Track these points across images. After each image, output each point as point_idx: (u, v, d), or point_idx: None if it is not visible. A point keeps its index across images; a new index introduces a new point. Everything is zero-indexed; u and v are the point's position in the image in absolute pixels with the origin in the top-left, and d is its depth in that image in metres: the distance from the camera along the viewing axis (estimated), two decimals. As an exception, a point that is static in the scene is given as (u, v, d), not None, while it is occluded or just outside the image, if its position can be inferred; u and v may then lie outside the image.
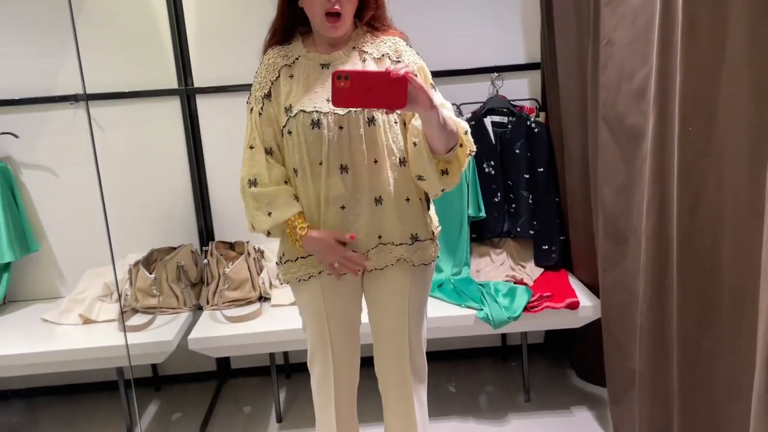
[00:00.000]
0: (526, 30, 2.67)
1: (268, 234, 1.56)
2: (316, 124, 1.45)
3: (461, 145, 1.48)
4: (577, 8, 2.26)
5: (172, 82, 2.60)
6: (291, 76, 1.51)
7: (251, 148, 1.53)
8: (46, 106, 2.55)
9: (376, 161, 1.49)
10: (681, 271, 1.63)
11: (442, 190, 1.51)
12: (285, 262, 1.61)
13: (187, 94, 2.61)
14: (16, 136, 2.53)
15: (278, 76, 1.51)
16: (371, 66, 1.50)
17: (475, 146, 1.54)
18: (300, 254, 1.56)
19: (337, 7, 1.41)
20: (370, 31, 1.56)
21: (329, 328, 1.60)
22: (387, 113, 1.46)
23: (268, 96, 1.52)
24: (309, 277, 1.57)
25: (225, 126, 2.63)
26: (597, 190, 2.15)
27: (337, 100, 1.33)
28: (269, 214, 1.51)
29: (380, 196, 1.50)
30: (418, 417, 1.65)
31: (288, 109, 1.48)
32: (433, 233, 1.62)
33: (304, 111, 1.46)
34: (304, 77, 1.50)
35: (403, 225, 1.54)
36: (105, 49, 2.50)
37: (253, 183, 1.52)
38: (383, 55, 1.53)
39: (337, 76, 1.30)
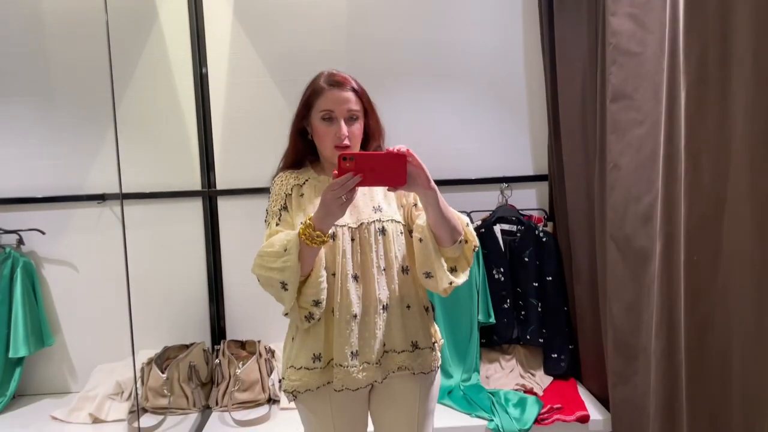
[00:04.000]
0: (534, 143, 2.81)
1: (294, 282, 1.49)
2: (332, 236, 1.50)
3: (467, 241, 1.54)
4: (583, 132, 2.40)
5: (197, 184, 2.71)
6: (302, 195, 1.59)
7: (270, 235, 1.56)
8: (74, 204, 2.66)
9: (384, 270, 1.54)
10: (691, 395, 1.66)
11: (451, 283, 1.51)
12: (289, 368, 1.57)
13: (210, 195, 2.72)
14: (43, 233, 2.62)
15: (291, 192, 1.59)
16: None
17: (477, 240, 1.58)
18: (305, 365, 1.54)
19: (346, 142, 1.52)
20: None
21: None
22: (389, 191, 1.49)
23: (284, 208, 1.59)
24: (305, 391, 1.54)
25: (242, 227, 2.73)
26: (606, 305, 2.20)
27: None
28: (285, 250, 1.45)
29: (387, 304, 1.54)
30: None
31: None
32: (434, 344, 1.63)
33: None
34: (315, 197, 1.56)
35: (404, 332, 1.57)
36: (135, 150, 2.63)
37: (286, 250, 1.47)
38: None
39: (343, 158, 1.36)
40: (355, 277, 1.52)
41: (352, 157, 1.37)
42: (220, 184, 2.74)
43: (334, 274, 1.52)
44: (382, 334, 1.54)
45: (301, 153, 1.64)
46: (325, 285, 1.49)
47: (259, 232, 2.65)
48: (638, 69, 1.96)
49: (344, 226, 1.53)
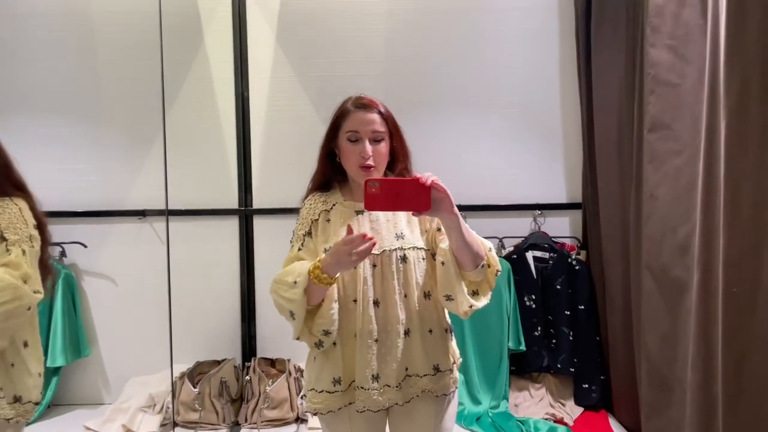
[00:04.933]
0: (568, 171, 2.82)
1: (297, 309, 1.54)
2: None
3: (489, 265, 1.55)
4: (619, 161, 2.40)
5: (234, 203, 2.78)
6: (328, 221, 1.62)
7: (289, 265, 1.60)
8: (115, 219, 2.74)
9: (406, 295, 1.56)
10: (727, 429, 1.63)
11: (471, 306, 1.52)
12: (311, 390, 1.60)
13: (246, 214, 2.78)
14: (85, 246, 2.70)
15: (317, 218, 1.63)
16: None
17: (500, 265, 1.59)
18: (326, 388, 1.57)
19: (369, 162, 1.55)
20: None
21: None
22: (414, 215, 1.49)
23: (309, 234, 1.62)
24: (327, 412, 1.57)
25: (277, 246, 2.74)
26: (640, 336, 2.18)
27: (369, 204, 1.42)
28: (294, 282, 1.50)
29: (409, 329, 1.56)
30: None
31: (326, 251, 1.55)
32: (453, 364, 1.65)
33: None
34: (341, 222, 1.61)
35: (426, 356, 1.58)
36: (177, 168, 2.70)
37: (295, 283, 1.52)
38: None
39: (369, 183, 1.41)
40: (376, 303, 1.55)
41: (379, 183, 1.41)
42: (257, 203, 2.79)
43: (355, 300, 1.55)
44: (403, 358, 1.56)
45: (329, 174, 1.68)
46: (336, 317, 1.53)
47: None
48: (677, 100, 1.97)
49: None
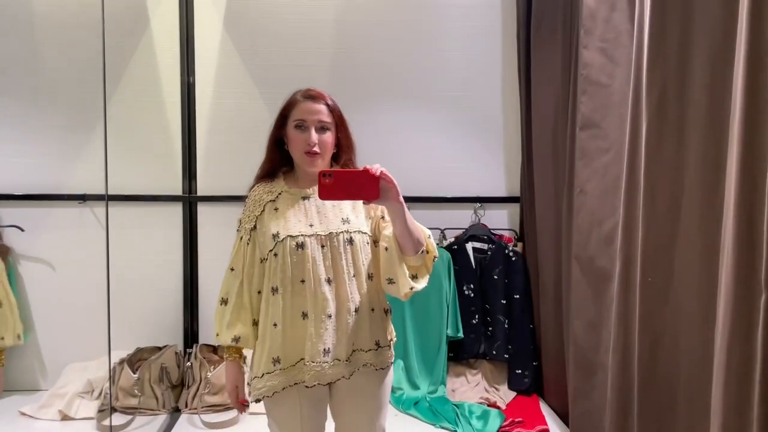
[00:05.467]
0: (507, 166, 2.92)
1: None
2: (301, 246, 1.64)
3: (428, 251, 1.68)
4: (554, 159, 2.51)
5: (178, 189, 2.77)
6: (276, 209, 1.71)
7: (232, 270, 1.74)
8: (54, 203, 2.70)
9: (354, 275, 1.68)
10: (642, 408, 1.76)
11: (411, 288, 1.64)
12: (253, 379, 1.69)
13: (190, 201, 2.77)
14: (22, 230, 2.65)
15: (263, 210, 1.72)
16: None
17: (437, 251, 1.72)
18: (265, 370, 1.66)
19: (315, 149, 1.66)
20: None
21: None
22: (364, 203, 1.66)
23: (254, 229, 1.72)
24: (283, 389, 1.65)
25: (220, 233, 2.78)
26: (569, 323, 2.30)
27: (323, 194, 1.52)
28: (217, 335, 1.74)
29: (357, 308, 1.68)
30: None
31: (275, 236, 1.66)
32: (390, 341, 1.79)
33: (290, 236, 1.65)
34: (288, 209, 1.71)
35: (370, 333, 1.71)
36: (119, 153, 2.68)
37: (224, 302, 1.74)
38: None
39: (323, 174, 1.51)
40: (329, 281, 1.65)
41: (331, 174, 1.51)
42: (201, 190, 2.79)
43: (303, 281, 1.64)
44: (352, 334, 1.67)
45: (277, 162, 1.77)
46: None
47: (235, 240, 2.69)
48: (606, 100, 2.08)
49: (313, 235, 1.66)
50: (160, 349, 2.64)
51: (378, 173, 1.51)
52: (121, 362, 2.52)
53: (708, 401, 1.46)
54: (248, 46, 2.78)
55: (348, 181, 1.52)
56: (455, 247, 2.80)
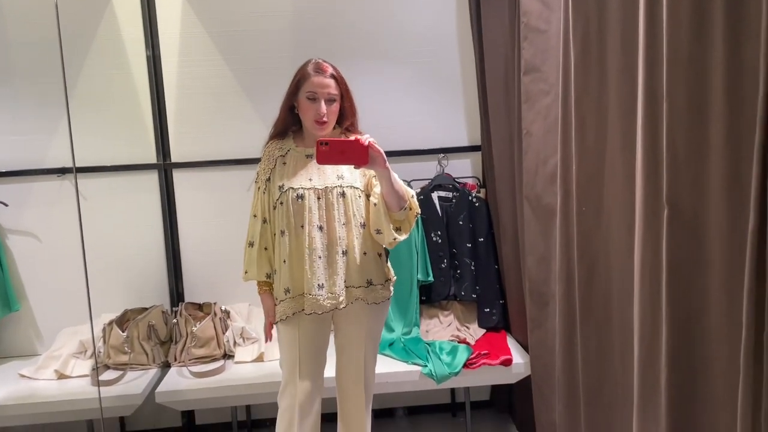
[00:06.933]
0: (468, 116, 3.03)
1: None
2: (300, 197, 1.98)
3: (410, 208, 2.01)
4: (506, 105, 2.63)
5: (152, 158, 2.89)
6: (284, 164, 2.06)
7: (254, 216, 2.08)
8: (35, 178, 2.82)
9: (345, 224, 2.00)
10: (583, 331, 1.91)
11: (395, 239, 1.98)
12: (278, 303, 2.06)
13: (165, 168, 2.90)
14: (6, 205, 2.78)
15: (275, 165, 2.06)
16: None
17: (420, 209, 2.05)
18: (280, 297, 2.03)
19: (324, 119, 1.97)
20: (344, 132, 2.10)
21: (299, 351, 2.02)
22: (355, 168, 1.95)
23: (269, 179, 2.06)
24: (286, 317, 2.02)
25: (197, 197, 2.92)
26: (524, 259, 2.45)
27: (320, 159, 1.83)
28: (246, 272, 2.11)
29: (347, 250, 2.01)
30: (367, 422, 2.16)
31: (281, 187, 2.01)
32: (387, 280, 2.11)
33: (292, 188, 2.00)
34: (294, 164, 2.05)
35: (361, 272, 2.04)
36: (92, 127, 2.80)
37: (251, 244, 2.08)
38: None
39: (320, 143, 1.82)
40: (320, 228, 1.98)
41: (328, 143, 1.82)
42: (175, 157, 2.91)
43: (302, 226, 1.97)
44: (343, 273, 2.00)
45: (288, 123, 2.09)
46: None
47: (214, 202, 2.92)
48: (545, 44, 2.19)
49: (311, 188, 1.99)
50: (147, 309, 2.80)
51: (367, 143, 1.81)
52: (110, 323, 2.68)
53: (630, 315, 1.61)
54: (209, 13, 2.85)
55: (341, 149, 1.82)
56: (422, 197, 2.93)
